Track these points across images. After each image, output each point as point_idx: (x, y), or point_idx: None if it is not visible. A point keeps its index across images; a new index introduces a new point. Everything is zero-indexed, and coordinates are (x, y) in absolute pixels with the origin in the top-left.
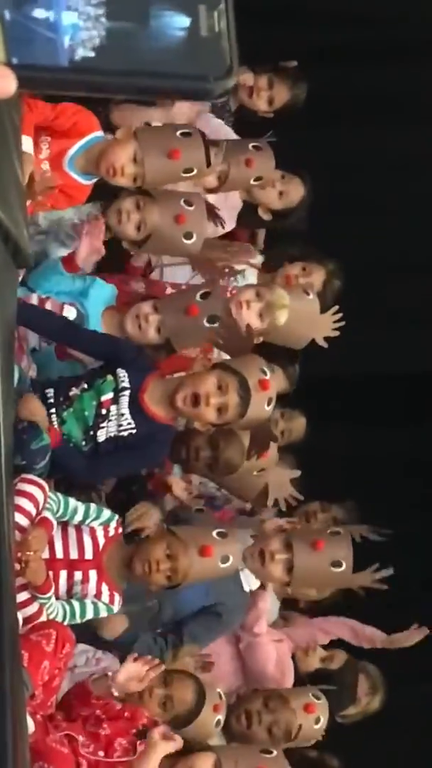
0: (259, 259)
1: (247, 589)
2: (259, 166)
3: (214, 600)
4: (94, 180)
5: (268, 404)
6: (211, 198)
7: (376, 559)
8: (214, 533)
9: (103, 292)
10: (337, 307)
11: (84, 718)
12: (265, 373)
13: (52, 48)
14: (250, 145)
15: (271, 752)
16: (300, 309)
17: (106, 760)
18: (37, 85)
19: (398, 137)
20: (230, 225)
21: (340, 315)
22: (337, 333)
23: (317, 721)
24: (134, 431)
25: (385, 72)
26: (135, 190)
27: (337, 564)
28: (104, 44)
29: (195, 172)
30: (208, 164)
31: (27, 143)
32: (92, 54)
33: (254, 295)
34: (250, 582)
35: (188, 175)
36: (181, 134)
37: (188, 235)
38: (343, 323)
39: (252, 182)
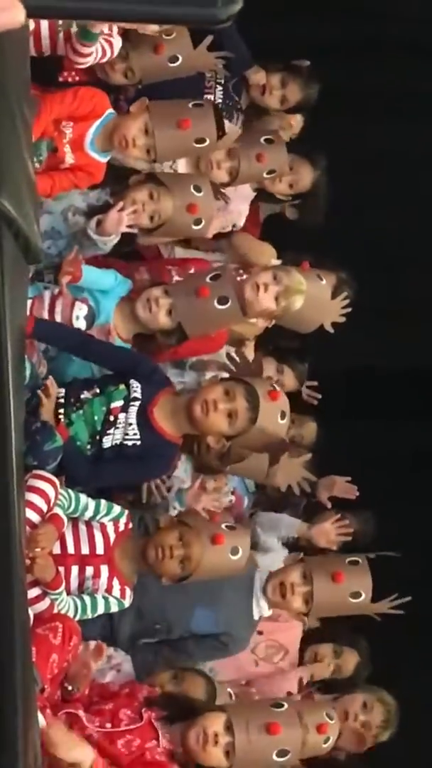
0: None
1: (257, 616)
2: (270, 160)
3: (224, 629)
4: (109, 156)
5: (282, 417)
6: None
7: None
8: (223, 525)
9: (123, 288)
10: (345, 293)
11: (83, 703)
12: (273, 387)
13: None
14: (262, 139)
15: (282, 705)
16: (313, 294)
17: (115, 730)
18: (44, 12)
19: (409, 134)
20: (242, 217)
21: (347, 301)
22: (343, 319)
23: (326, 740)
24: (138, 443)
25: (400, 67)
26: (146, 179)
27: (357, 595)
28: None
29: (207, 142)
30: (221, 135)
31: None
32: None
33: (272, 278)
34: (262, 609)
35: (200, 145)
36: (193, 105)
37: (197, 222)
38: (349, 309)
39: (264, 176)
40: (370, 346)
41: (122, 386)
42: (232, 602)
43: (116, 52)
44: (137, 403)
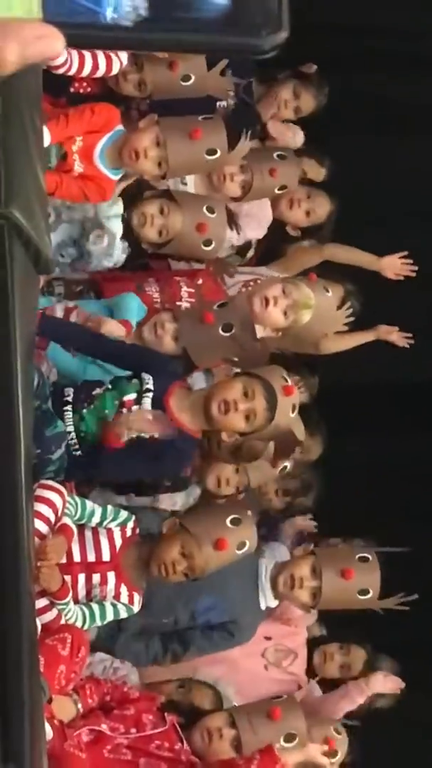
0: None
1: (263, 606)
2: (283, 175)
3: (230, 617)
4: (121, 174)
5: (293, 411)
6: (246, 204)
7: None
8: (228, 521)
9: (134, 304)
10: (348, 304)
11: (100, 708)
12: (286, 380)
13: (97, 5)
14: (275, 154)
15: (281, 697)
16: (318, 305)
17: (142, 734)
18: (84, 41)
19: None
20: (260, 233)
21: (350, 311)
22: (346, 329)
23: (334, 755)
24: (156, 434)
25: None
26: (160, 194)
27: (365, 592)
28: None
29: (218, 154)
30: (233, 147)
31: (46, 137)
32: (140, 11)
33: (281, 292)
34: (267, 599)
35: (212, 157)
36: (203, 118)
37: (207, 243)
38: (353, 318)
39: (276, 191)
40: (379, 360)
41: (135, 380)
42: (237, 589)
43: (115, 68)
44: (150, 394)
